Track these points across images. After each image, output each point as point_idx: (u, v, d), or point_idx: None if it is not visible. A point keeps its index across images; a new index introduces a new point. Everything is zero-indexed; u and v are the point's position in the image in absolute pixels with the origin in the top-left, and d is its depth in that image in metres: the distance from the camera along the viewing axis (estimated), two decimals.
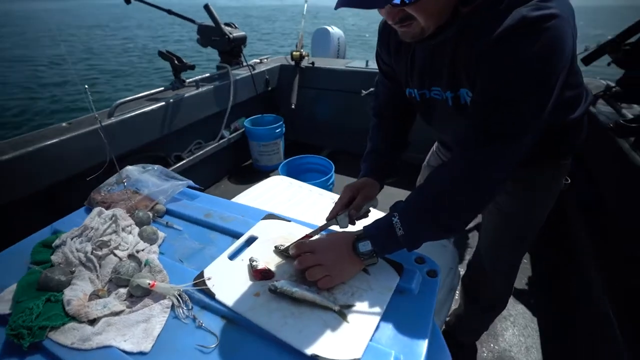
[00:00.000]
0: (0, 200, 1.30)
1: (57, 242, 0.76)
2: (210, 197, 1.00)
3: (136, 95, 1.88)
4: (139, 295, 0.66)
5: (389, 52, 0.85)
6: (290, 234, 0.81)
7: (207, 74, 2.38)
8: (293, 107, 2.55)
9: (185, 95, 2.08)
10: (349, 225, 0.80)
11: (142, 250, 0.76)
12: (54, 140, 1.44)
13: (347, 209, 0.80)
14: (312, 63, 2.73)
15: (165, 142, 2.06)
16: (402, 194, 1.41)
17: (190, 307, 0.65)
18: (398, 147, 0.93)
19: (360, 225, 0.83)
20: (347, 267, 0.66)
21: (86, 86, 0.83)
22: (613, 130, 1.22)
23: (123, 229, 0.79)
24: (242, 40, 2.45)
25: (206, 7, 2.26)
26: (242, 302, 0.64)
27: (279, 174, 2.08)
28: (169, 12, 2.24)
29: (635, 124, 1.22)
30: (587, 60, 1.39)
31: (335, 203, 0.81)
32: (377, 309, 0.62)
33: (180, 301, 0.66)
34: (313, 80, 2.73)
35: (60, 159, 1.46)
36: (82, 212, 0.94)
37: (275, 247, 0.75)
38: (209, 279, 0.69)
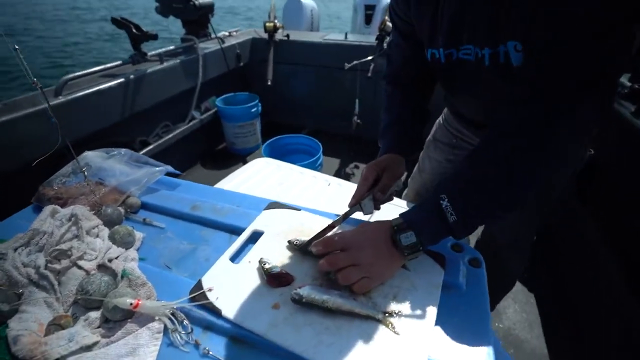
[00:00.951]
0: None
1: (1, 252, 0.57)
2: (195, 185, 0.83)
3: (88, 71, 1.60)
4: (117, 319, 0.50)
5: (408, 3, 0.71)
6: (303, 225, 0.67)
7: (172, 47, 2.10)
8: (269, 83, 2.34)
9: (148, 71, 1.81)
10: (374, 212, 0.68)
11: (116, 258, 0.59)
12: None
13: (371, 192, 0.66)
14: (287, 36, 2.51)
15: (128, 126, 1.80)
16: None
17: (189, 330, 0.50)
18: (421, 116, 0.80)
19: (385, 211, 0.72)
20: (388, 265, 0.53)
21: (17, 47, 0.61)
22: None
23: (88, 232, 0.61)
24: (209, 8, 2.18)
25: None
26: (258, 319, 0.50)
27: (260, 157, 1.90)
28: None
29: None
30: None
31: (358, 185, 0.68)
32: (428, 313, 0.51)
33: (176, 323, 0.50)
34: (288, 54, 2.52)
35: None
36: (28, 212, 0.74)
37: (289, 242, 0.61)
38: (209, 290, 0.54)
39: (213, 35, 2.38)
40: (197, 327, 0.51)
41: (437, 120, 1.11)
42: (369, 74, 2.07)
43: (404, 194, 1.41)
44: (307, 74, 2.56)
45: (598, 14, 0.43)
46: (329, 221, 0.67)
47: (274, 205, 0.72)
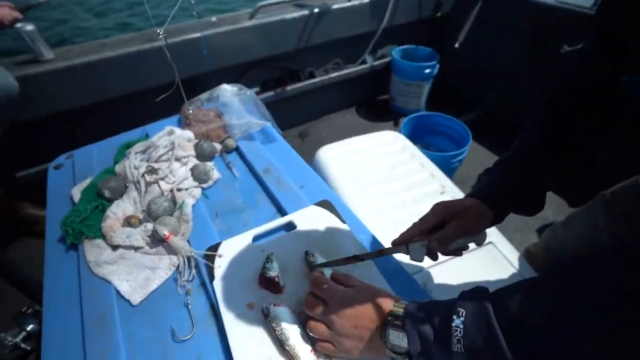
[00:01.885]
0: (110, 94, 1.43)
1: (127, 151, 0.78)
2: (284, 146, 0.86)
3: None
4: (158, 238, 0.63)
5: (628, 10, 0.43)
6: (335, 241, 0.62)
7: None
8: (457, 45, 2.00)
9: (334, 7, 1.83)
10: (428, 259, 0.56)
11: (186, 189, 0.72)
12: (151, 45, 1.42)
13: (427, 237, 0.54)
14: None
15: (302, 55, 1.95)
16: None
17: (191, 278, 0.59)
18: (556, 166, 0.55)
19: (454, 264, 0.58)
20: (361, 350, 0.45)
21: None
22: None
23: (178, 159, 0.75)
24: None
25: None
26: (231, 306, 0.53)
27: (404, 123, 1.76)
28: None
29: None
30: None
31: (414, 224, 0.56)
32: None
33: (186, 266, 0.60)
34: (498, 13, 2.02)
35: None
36: (173, 120, 0.96)
37: (306, 253, 0.59)
38: (219, 256, 0.60)
39: None
40: (198, 279, 0.59)
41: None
42: None
43: (532, 243, 1.08)
44: (510, 45, 2.03)
45: None
46: (364, 250, 0.60)
47: (324, 204, 0.68)
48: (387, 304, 0.44)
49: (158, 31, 0.76)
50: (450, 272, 0.85)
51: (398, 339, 0.41)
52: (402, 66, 2.16)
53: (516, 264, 0.88)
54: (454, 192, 1.06)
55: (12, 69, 1.20)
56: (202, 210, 0.70)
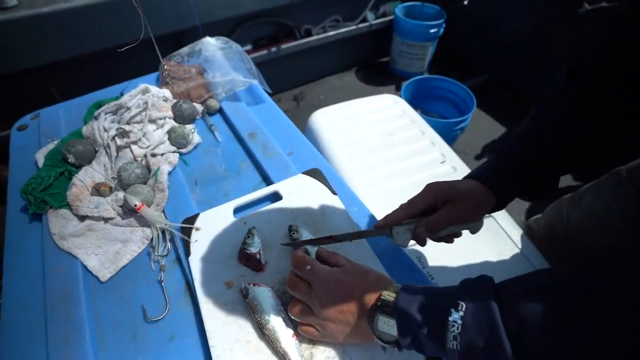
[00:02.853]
0: (85, 48, 1.29)
1: (97, 111, 0.70)
2: (272, 108, 0.78)
3: None
4: (130, 208, 0.57)
5: None
6: (323, 214, 0.56)
7: None
8: (465, 2, 1.84)
9: None
10: (414, 245, 0.51)
11: (162, 155, 0.65)
12: None
13: (415, 220, 0.48)
14: None
15: (297, 10, 1.79)
16: None
17: (165, 252, 0.54)
18: (574, 150, 0.48)
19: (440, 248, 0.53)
20: (347, 334, 0.40)
21: None
22: None
23: (153, 121, 0.67)
24: None
25: None
26: (208, 284, 0.48)
27: (403, 88, 1.66)
28: None
29: None
30: None
31: (401, 206, 0.49)
32: None
33: (160, 239, 0.55)
34: None
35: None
36: (151, 78, 0.86)
37: (290, 227, 0.53)
38: (197, 229, 0.54)
39: None
40: (174, 253, 0.54)
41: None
42: None
43: (534, 218, 1.04)
44: (525, 5, 1.87)
45: None
46: (353, 226, 0.54)
47: (313, 172, 0.62)
48: (378, 287, 0.39)
49: None
50: (446, 245, 0.81)
51: (387, 326, 0.36)
52: (405, 25, 2.00)
53: (516, 238, 0.83)
54: (454, 162, 1.00)
55: None
56: (180, 178, 0.64)
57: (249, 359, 0.42)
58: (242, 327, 0.44)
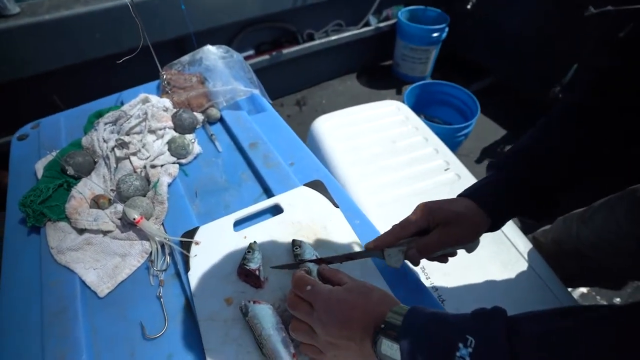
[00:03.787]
0: (88, 55, 1.29)
1: (96, 121, 0.70)
2: (274, 117, 0.78)
3: None
4: (129, 221, 0.56)
5: None
6: (325, 228, 0.55)
7: None
8: (469, 7, 1.83)
9: None
10: (407, 264, 0.49)
11: (161, 166, 0.64)
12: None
13: (407, 241, 0.47)
14: None
15: (299, 15, 1.79)
16: None
17: (164, 267, 0.53)
18: (582, 168, 0.46)
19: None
20: (349, 357, 0.39)
21: None
22: None
23: (153, 131, 0.67)
24: None
25: None
26: (207, 301, 0.47)
27: (407, 93, 1.65)
28: None
29: None
30: None
31: (393, 228, 0.48)
32: None
33: (159, 254, 0.54)
34: None
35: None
36: (152, 86, 0.86)
37: (294, 242, 0.52)
38: (196, 243, 0.53)
39: None
40: (173, 267, 0.53)
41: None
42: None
43: (541, 230, 1.02)
44: (529, 9, 1.85)
45: None
46: (355, 241, 0.53)
47: (315, 184, 0.61)
48: (382, 309, 0.37)
49: None
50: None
51: (391, 350, 0.35)
52: (408, 29, 1.99)
53: (521, 247, 0.82)
54: (459, 169, 0.98)
55: None
56: (180, 189, 0.63)
57: None
58: (242, 346, 0.43)
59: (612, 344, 0.25)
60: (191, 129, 0.72)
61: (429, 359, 0.32)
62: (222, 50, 0.87)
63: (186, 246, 0.53)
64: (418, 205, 0.47)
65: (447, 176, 0.97)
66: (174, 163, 0.65)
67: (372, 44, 2.15)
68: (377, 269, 0.49)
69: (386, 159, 1.01)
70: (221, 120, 0.77)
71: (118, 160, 0.63)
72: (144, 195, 0.60)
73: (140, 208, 0.56)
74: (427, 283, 0.75)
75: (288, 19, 1.78)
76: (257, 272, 0.48)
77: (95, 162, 0.65)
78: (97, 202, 0.59)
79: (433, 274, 0.76)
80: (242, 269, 0.48)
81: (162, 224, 0.58)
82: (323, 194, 0.59)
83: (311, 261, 0.47)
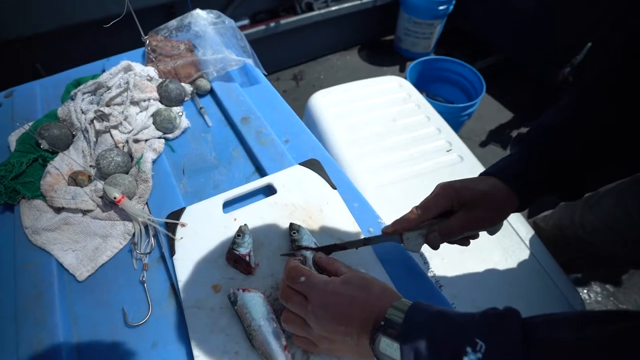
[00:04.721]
0: (72, 19, 1.21)
1: (74, 91, 0.64)
2: (268, 90, 0.72)
3: None
4: (110, 200, 0.52)
5: None
6: (321, 212, 0.52)
7: None
8: None
9: None
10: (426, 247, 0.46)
11: (145, 141, 0.59)
12: None
13: (427, 224, 0.43)
14: None
15: None
16: None
17: (148, 249, 0.49)
18: (611, 144, 0.41)
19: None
20: (345, 350, 0.37)
21: None
22: None
23: (136, 103, 0.61)
24: None
25: None
26: (193, 288, 0.44)
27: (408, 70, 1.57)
28: None
29: None
30: None
31: (412, 211, 0.43)
32: None
33: (143, 235, 0.50)
34: None
35: None
36: (137, 54, 0.79)
37: (291, 226, 0.48)
38: (182, 225, 0.50)
39: None
40: (158, 251, 0.50)
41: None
42: None
43: (542, 215, 1.00)
44: None
45: None
46: (354, 226, 0.50)
47: (311, 163, 0.57)
48: (382, 304, 0.34)
49: None
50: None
51: (390, 349, 0.32)
52: (412, 1, 1.89)
53: (523, 234, 0.79)
54: (461, 151, 0.94)
55: None
56: (166, 166, 0.58)
57: None
58: (231, 337, 0.41)
59: None
60: (178, 101, 0.67)
61: (436, 350, 0.29)
62: (213, 16, 0.80)
63: (171, 228, 0.49)
64: (439, 185, 0.43)
65: (449, 157, 0.93)
66: (159, 138, 0.60)
67: (374, 16, 2.05)
68: (375, 256, 0.46)
69: (386, 138, 0.96)
70: (211, 92, 0.71)
71: (98, 133, 0.58)
72: (127, 173, 0.55)
73: (121, 186, 0.51)
74: (424, 268, 0.72)
75: None
76: (247, 258, 0.44)
77: (73, 136, 0.60)
78: (75, 179, 0.54)
79: (432, 259, 0.74)
80: (231, 254, 0.45)
81: (146, 203, 0.54)
82: (320, 174, 0.55)
83: (325, 247, 0.44)
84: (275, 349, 0.38)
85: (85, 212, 0.53)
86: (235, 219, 0.50)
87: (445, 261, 0.74)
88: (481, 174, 0.45)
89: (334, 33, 2.03)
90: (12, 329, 0.42)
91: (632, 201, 0.68)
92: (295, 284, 0.37)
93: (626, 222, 0.68)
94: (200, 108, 0.68)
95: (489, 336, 0.27)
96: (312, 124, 1.05)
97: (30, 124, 0.62)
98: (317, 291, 0.36)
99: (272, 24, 1.72)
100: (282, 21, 1.74)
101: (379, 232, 0.50)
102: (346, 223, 0.50)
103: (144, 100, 0.61)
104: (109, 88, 0.61)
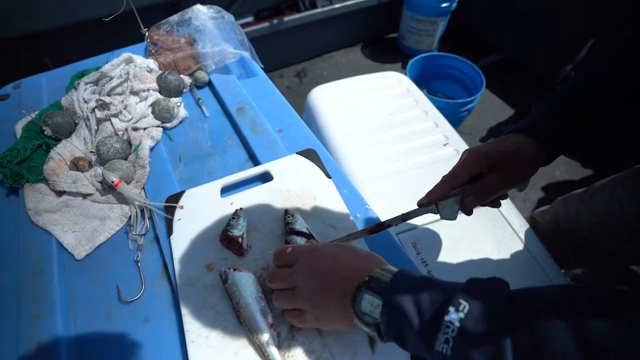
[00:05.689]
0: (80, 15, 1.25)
1: (77, 81, 0.66)
2: (264, 82, 0.74)
3: None
4: (109, 184, 0.54)
5: None
6: (315, 199, 0.53)
7: None
8: None
9: None
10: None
11: (144, 129, 0.61)
12: None
13: (459, 191, 0.44)
14: None
15: None
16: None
17: (143, 231, 0.51)
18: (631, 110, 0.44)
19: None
20: (329, 319, 0.38)
21: None
22: None
23: (136, 93, 0.63)
24: None
25: None
26: (188, 265, 0.46)
27: (409, 66, 1.58)
28: None
29: None
30: None
31: (443, 179, 0.45)
32: None
33: (138, 218, 0.52)
34: None
35: None
36: (139, 48, 0.81)
37: (287, 211, 0.50)
38: (181, 207, 0.52)
39: None
40: (152, 233, 0.52)
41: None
42: None
43: (539, 210, 1.00)
44: None
45: None
46: (345, 212, 0.51)
47: (308, 153, 0.58)
48: (369, 265, 0.35)
49: None
50: (444, 232, 0.78)
51: (371, 306, 0.32)
52: None
53: (516, 226, 0.80)
54: (458, 145, 0.95)
55: None
56: (163, 154, 0.60)
57: (225, 347, 0.40)
58: (220, 313, 0.42)
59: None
60: (177, 92, 0.69)
61: (413, 321, 0.30)
62: (213, 11, 0.82)
63: (170, 210, 0.51)
64: (466, 151, 0.45)
65: (445, 151, 0.94)
66: (157, 127, 0.62)
67: (378, 14, 2.05)
68: (366, 245, 0.47)
69: (384, 132, 0.97)
70: (209, 84, 0.73)
71: (99, 121, 0.60)
72: (125, 159, 0.57)
73: (119, 171, 0.54)
74: (417, 259, 0.73)
75: None
76: (239, 239, 0.46)
77: (76, 124, 0.63)
78: (76, 165, 0.57)
79: (424, 250, 0.75)
80: (225, 235, 0.47)
81: (143, 188, 0.56)
82: (315, 164, 0.57)
83: (366, 231, 0.45)
84: (261, 326, 0.40)
85: (85, 196, 0.55)
86: (231, 203, 0.52)
87: (439, 253, 0.75)
88: (506, 133, 0.46)
89: (338, 30, 2.04)
90: (14, 303, 0.45)
91: (625, 195, 0.68)
92: (283, 259, 0.38)
93: (620, 217, 0.68)
94: (198, 99, 0.70)
95: (472, 298, 0.28)
96: (311, 118, 1.06)
97: (36, 112, 0.64)
98: (304, 252, 0.37)
99: (276, 21, 1.74)
100: (286, 18, 1.76)
101: (366, 217, 0.52)
102: (338, 210, 0.51)
103: (144, 91, 0.63)
104: (110, 78, 0.64)
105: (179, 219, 0.51)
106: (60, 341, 0.41)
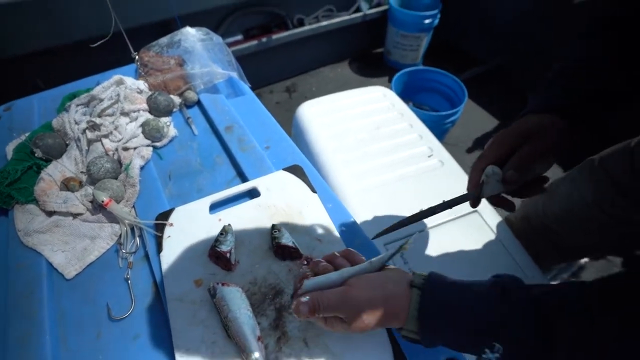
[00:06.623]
0: (72, 37, 1.27)
1: (68, 103, 0.68)
2: (252, 101, 0.76)
3: None
4: (99, 204, 0.55)
5: None
6: (301, 214, 0.55)
7: None
8: None
9: None
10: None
11: (134, 149, 0.63)
12: None
13: (498, 174, 0.46)
14: None
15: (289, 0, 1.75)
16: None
17: (134, 249, 0.52)
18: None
19: None
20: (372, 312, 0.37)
21: None
22: None
23: (126, 114, 0.65)
24: None
25: None
26: (177, 282, 0.47)
27: (394, 80, 1.63)
28: None
29: None
30: None
31: (482, 154, 0.47)
32: None
33: (128, 236, 0.53)
34: None
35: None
36: (130, 70, 0.84)
37: (274, 226, 0.51)
38: (170, 224, 0.53)
39: None
40: (142, 250, 0.53)
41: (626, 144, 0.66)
42: None
43: (510, 213, 1.02)
44: None
45: None
46: (330, 226, 0.53)
47: (294, 169, 0.60)
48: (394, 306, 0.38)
49: None
50: (432, 239, 0.80)
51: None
52: (400, 15, 1.96)
53: (493, 225, 0.82)
54: (442, 156, 0.98)
55: None
56: (153, 172, 0.62)
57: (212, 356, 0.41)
58: (209, 328, 0.43)
59: None
60: (167, 112, 0.71)
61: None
62: (202, 33, 0.84)
63: (160, 227, 0.52)
64: (495, 136, 0.47)
65: (430, 163, 0.97)
66: (147, 146, 0.64)
67: (364, 30, 2.12)
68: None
69: (370, 145, 1.00)
70: (198, 103, 0.75)
71: (90, 142, 0.62)
72: (116, 178, 0.59)
73: (109, 190, 0.55)
74: (406, 268, 0.75)
75: (277, 3, 1.75)
76: (227, 255, 0.47)
77: (67, 145, 0.64)
78: (67, 185, 0.58)
79: (411, 258, 0.77)
80: (213, 251, 0.48)
81: (134, 206, 0.57)
82: (301, 179, 0.59)
83: (413, 216, 0.47)
84: (249, 339, 0.41)
85: (75, 216, 0.56)
86: (220, 219, 0.54)
87: (426, 262, 0.77)
88: (523, 113, 0.48)
89: (325, 47, 2.10)
90: (1, 324, 0.45)
91: (584, 187, 0.70)
92: (320, 314, 0.37)
93: (583, 209, 0.71)
94: (188, 118, 0.72)
95: (504, 334, 0.33)
96: (299, 133, 1.09)
97: (27, 134, 0.66)
98: (360, 296, 0.37)
99: (265, 39, 1.79)
100: (274, 36, 1.80)
101: (351, 230, 0.54)
102: (323, 224, 0.53)
103: (134, 112, 0.65)
104: (101, 100, 0.65)
105: (169, 236, 0.52)
106: None
